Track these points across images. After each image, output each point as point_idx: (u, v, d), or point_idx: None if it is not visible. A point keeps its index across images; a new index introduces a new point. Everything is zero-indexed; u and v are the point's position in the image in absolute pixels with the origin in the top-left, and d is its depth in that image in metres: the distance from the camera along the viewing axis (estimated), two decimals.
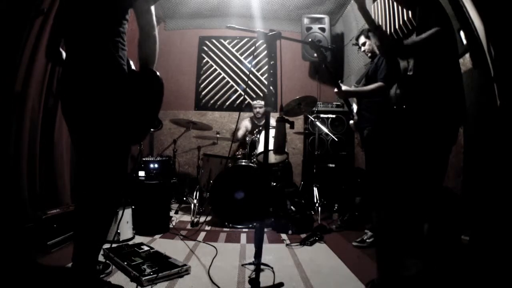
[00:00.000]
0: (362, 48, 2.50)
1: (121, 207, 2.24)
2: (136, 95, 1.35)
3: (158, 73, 1.37)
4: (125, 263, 1.68)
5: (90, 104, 1.29)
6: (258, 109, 3.89)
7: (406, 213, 1.40)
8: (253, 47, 4.84)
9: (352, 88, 2.44)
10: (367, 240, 2.33)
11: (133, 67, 1.41)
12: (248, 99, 4.80)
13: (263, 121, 3.44)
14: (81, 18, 1.32)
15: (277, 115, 1.68)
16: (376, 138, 2.26)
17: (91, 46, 1.30)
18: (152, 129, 1.51)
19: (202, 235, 2.54)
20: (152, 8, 1.35)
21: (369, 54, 2.47)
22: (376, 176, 2.24)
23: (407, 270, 1.36)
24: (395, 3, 2.75)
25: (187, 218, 3.14)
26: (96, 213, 1.33)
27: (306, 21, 4.37)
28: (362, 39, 2.49)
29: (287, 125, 1.62)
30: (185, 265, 1.70)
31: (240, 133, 3.99)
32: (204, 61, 4.88)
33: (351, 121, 2.61)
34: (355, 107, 2.56)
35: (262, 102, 3.94)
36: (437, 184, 1.40)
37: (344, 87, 2.23)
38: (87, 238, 1.33)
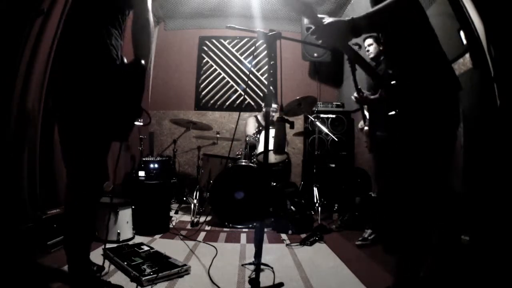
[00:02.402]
0: (368, 48, 2.50)
1: (120, 206, 2.24)
2: (121, 85, 1.33)
3: (142, 61, 1.34)
4: (125, 263, 1.68)
5: (74, 92, 1.28)
6: (272, 113, 3.82)
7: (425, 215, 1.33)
8: (253, 47, 4.85)
9: (371, 96, 2.34)
10: (369, 238, 2.33)
11: (125, 60, 1.41)
12: (249, 99, 4.80)
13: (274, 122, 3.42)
14: (78, 7, 1.33)
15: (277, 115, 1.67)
16: (388, 143, 2.21)
17: (83, 33, 1.30)
18: (137, 122, 1.46)
19: (202, 235, 2.54)
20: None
21: (372, 55, 2.49)
22: (389, 180, 2.17)
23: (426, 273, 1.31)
24: None
25: (187, 218, 3.14)
26: (78, 209, 1.34)
27: (306, 21, 4.37)
28: (369, 41, 2.50)
29: (287, 125, 1.62)
30: (185, 265, 1.70)
31: (250, 130, 3.90)
32: (204, 61, 4.88)
33: (366, 128, 2.52)
34: (367, 114, 2.53)
35: (275, 106, 3.88)
36: (442, 180, 1.32)
37: (365, 93, 2.21)
38: (72, 235, 1.34)
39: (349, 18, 1.17)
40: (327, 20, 1.19)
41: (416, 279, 1.30)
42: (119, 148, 1.44)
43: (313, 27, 1.19)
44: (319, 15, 1.21)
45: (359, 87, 2.24)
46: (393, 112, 1.31)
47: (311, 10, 1.18)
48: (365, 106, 2.53)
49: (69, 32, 1.36)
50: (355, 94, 2.27)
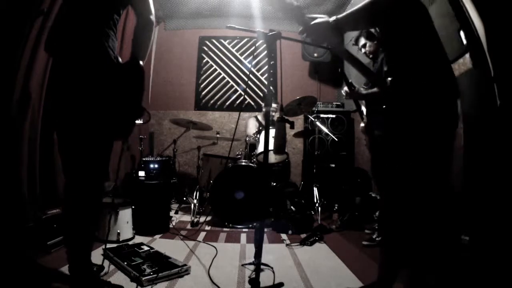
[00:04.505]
0: (363, 50, 2.43)
1: (119, 206, 2.23)
2: (120, 86, 1.33)
3: (141, 62, 1.35)
4: (125, 263, 1.68)
5: (76, 94, 1.27)
6: (272, 113, 3.81)
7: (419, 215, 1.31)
8: (253, 47, 4.84)
9: (363, 91, 2.30)
10: (377, 239, 2.33)
11: (120, 60, 1.40)
12: (249, 99, 4.80)
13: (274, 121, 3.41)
14: (74, 10, 1.31)
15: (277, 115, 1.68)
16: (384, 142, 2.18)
17: (82, 37, 1.28)
18: (137, 120, 1.48)
19: (202, 235, 2.54)
20: None
21: (371, 56, 2.42)
22: (385, 178, 2.14)
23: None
24: None
25: (187, 218, 3.14)
26: (79, 210, 1.32)
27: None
28: (362, 41, 2.43)
29: (287, 125, 1.62)
30: (185, 265, 1.70)
31: (251, 131, 3.85)
32: (204, 61, 4.88)
33: (362, 124, 2.50)
34: (364, 110, 2.50)
35: (275, 105, 3.87)
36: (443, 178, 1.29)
37: (357, 88, 2.19)
38: (74, 237, 1.33)
39: (334, 18, 1.18)
40: (316, 20, 1.20)
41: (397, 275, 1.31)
42: (121, 148, 1.45)
43: (301, 27, 1.23)
44: (312, 15, 1.23)
45: (349, 81, 2.22)
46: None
47: (297, 10, 1.21)
48: (363, 102, 2.50)
49: (65, 36, 1.31)
50: (346, 89, 2.24)
